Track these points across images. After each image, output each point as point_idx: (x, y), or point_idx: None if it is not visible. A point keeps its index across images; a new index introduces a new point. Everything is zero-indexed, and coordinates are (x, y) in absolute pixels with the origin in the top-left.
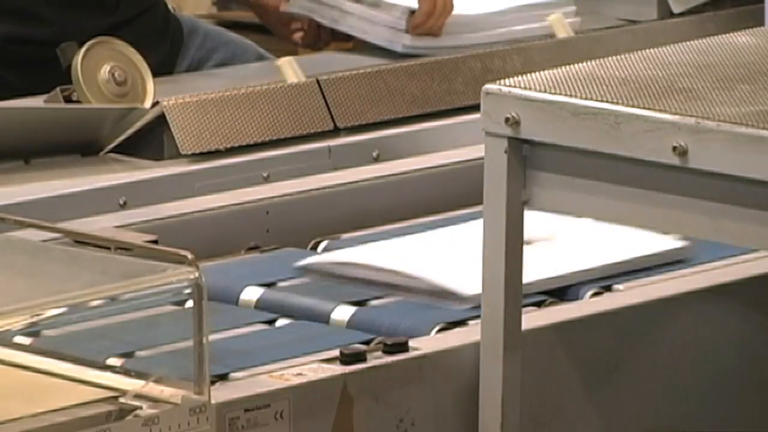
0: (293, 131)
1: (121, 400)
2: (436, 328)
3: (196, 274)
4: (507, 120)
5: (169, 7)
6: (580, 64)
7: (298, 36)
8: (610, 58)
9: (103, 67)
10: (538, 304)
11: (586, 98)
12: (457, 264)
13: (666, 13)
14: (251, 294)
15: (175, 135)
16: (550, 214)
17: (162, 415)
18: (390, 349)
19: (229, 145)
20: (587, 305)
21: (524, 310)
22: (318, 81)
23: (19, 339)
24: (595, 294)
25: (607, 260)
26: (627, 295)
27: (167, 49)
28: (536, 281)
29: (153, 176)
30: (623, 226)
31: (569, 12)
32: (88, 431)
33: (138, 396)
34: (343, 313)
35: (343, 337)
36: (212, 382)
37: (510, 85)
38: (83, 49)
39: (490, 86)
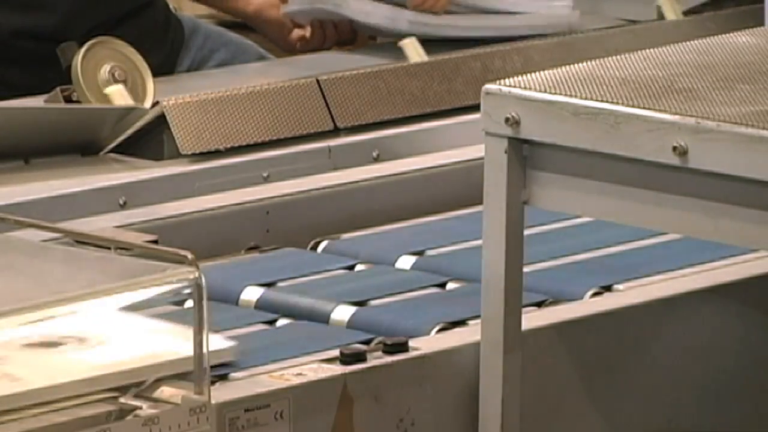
0: (293, 131)
1: (121, 400)
2: (436, 328)
3: (196, 274)
4: (507, 120)
5: (171, 7)
6: (580, 64)
7: (301, 43)
8: (610, 58)
9: (103, 67)
10: (539, 304)
11: (586, 98)
12: None
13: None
14: (251, 294)
15: (175, 135)
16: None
17: (162, 415)
18: (390, 349)
19: (229, 145)
20: (587, 305)
21: (524, 310)
22: (318, 81)
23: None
24: (595, 294)
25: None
26: (627, 295)
27: (168, 48)
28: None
29: (153, 176)
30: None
31: (565, 5)
32: (88, 431)
33: (138, 396)
34: (343, 313)
35: (343, 337)
36: (212, 382)
37: (510, 85)
38: (83, 49)
39: (490, 86)
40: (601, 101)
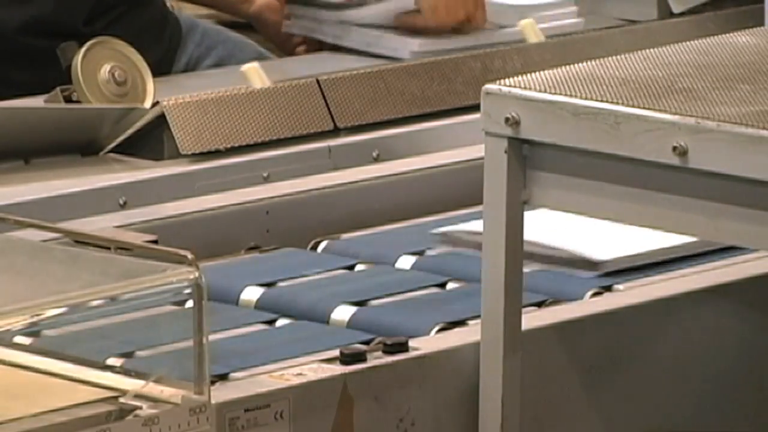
0: (293, 131)
1: (121, 400)
2: (436, 328)
3: (196, 274)
4: (507, 120)
5: (168, 5)
6: (580, 64)
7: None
8: (610, 58)
9: (103, 67)
10: (539, 304)
11: (586, 98)
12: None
13: (666, 13)
14: (251, 294)
15: (175, 135)
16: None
17: (162, 415)
18: (390, 349)
19: (229, 145)
20: (587, 305)
21: (524, 310)
22: (318, 81)
23: (19, 339)
24: (595, 294)
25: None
26: (627, 295)
27: (165, 45)
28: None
29: (153, 176)
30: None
31: (570, 12)
32: (88, 431)
33: (138, 396)
34: (343, 313)
35: (343, 337)
36: (212, 382)
37: (510, 85)
38: (83, 49)
39: (490, 86)
40: (601, 101)
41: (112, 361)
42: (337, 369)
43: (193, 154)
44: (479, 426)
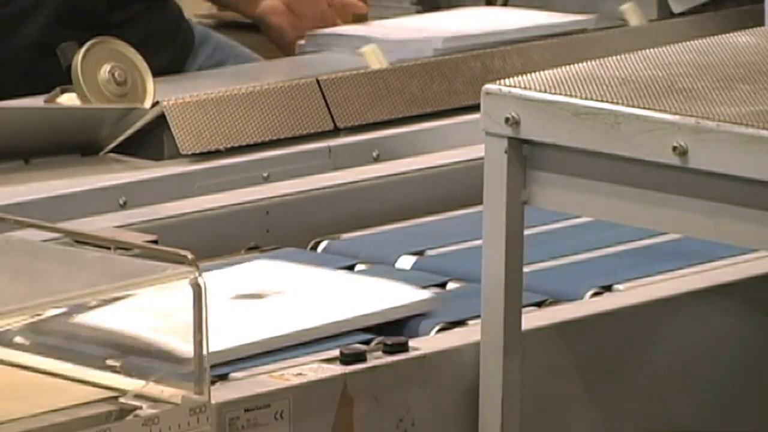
0: (293, 131)
1: (121, 400)
2: (436, 328)
3: (196, 274)
4: (507, 120)
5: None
6: (580, 64)
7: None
8: (610, 58)
9: (103, 67)
10: (539, 304)
11: (586, 98)
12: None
13: (666, 13)
14: None
15: (175, 135)
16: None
17: (162, 415)
18: (390, 349)
19: (229, 145)
20: (587, 305)
21: (524, 310)
22: (318, 81)
23: (19, 339)
24: (595, 294)
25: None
26: (627, 295)
27: (176, 52)
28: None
29: (153, 176)
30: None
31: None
32: (87, 431)
33: (138, 396)
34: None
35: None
36: (212, 382)
37: (510, 85)
38: (83, 49)
39: (490, 86)
40: (601, 101)
41: (112, 361)
42: (337, 369)
43: (193, 154)
44: (479, 426)
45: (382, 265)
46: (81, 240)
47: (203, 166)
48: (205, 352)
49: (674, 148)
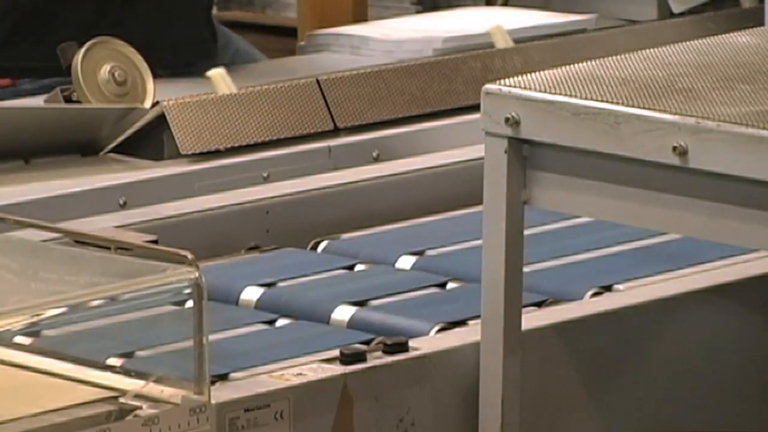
0: (293, 131)
1: (121, 400)
2: (436, 328)
3: (196, 274)
4: (507, 120)
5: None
6: (580, 64)
7: None
8: (610, 58)
9: (103, 67)
10: (538, 304)
11: (586, 98)
12: None
13: (666, 13)
14: (251, 294)
15: (175, 135)
16: None
17: (162, 415)
18: (390, 349)
19: (229, 145)
20: (587, 305)
21: (524, 310)
22: (318, 81)
23: (19, 339)
24: (595, 294)
25: None
26: (627, 295)
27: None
28: None
29: (153, 176)
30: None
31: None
32: (88, 431)
33: (138, 396)
34: (343, 313)
35: (343, 337)
36: (212, 382)
37: (510, 85)
38: (83, 49)
39: (490, 86)
40: (601, 101)
41: (112, 361)
42: (337, 369)
43: (193, 154)
44: (479, 426)
45: (382, 265)
46: (81, 240)
47: (203, 166)
48: (205, 352)
49: (674, 148)
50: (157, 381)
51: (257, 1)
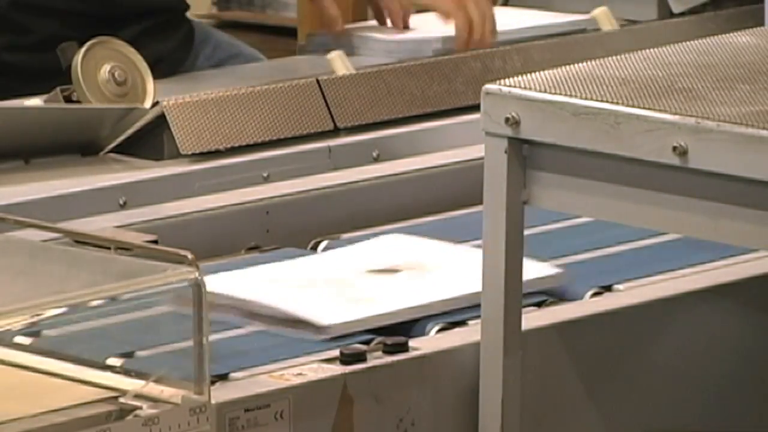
0: (293, 131)
1: (121, 400)
2: (436, 328)
3: (196, 274)
4: (507, 120)
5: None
6: (580, 64)
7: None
8: (610, 58)
9: (103, 67)
10: (538, 304)
11: (586, 98)
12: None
13: (666, 13)
14: None
15: (175, 135)
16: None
17: (162, 415)
18: (390, 349)
19: (229, 145)
20: (587, 305)
21: (524, 310)
22: (318, 81)
23: (19, 339)
24: (595, 294)
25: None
26: (627, 295)
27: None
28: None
29: (153, 176)
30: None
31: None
32: (87, 431)
33: (138, 396)
34: None
35: (343, 338)
36: (212, 382)
37: (510, 85)
38: (83, 49)
39: (490, 86)
40: (601, 101)
41: (112, 361)
42: (337, 369)
43: (193, 154)
44: (479, 426)
45: None
46: (81, 240)
47: (203, 166)
48: (205, 352)
49: (674, 148)
50: (157, 381)
51: (257, 1)
